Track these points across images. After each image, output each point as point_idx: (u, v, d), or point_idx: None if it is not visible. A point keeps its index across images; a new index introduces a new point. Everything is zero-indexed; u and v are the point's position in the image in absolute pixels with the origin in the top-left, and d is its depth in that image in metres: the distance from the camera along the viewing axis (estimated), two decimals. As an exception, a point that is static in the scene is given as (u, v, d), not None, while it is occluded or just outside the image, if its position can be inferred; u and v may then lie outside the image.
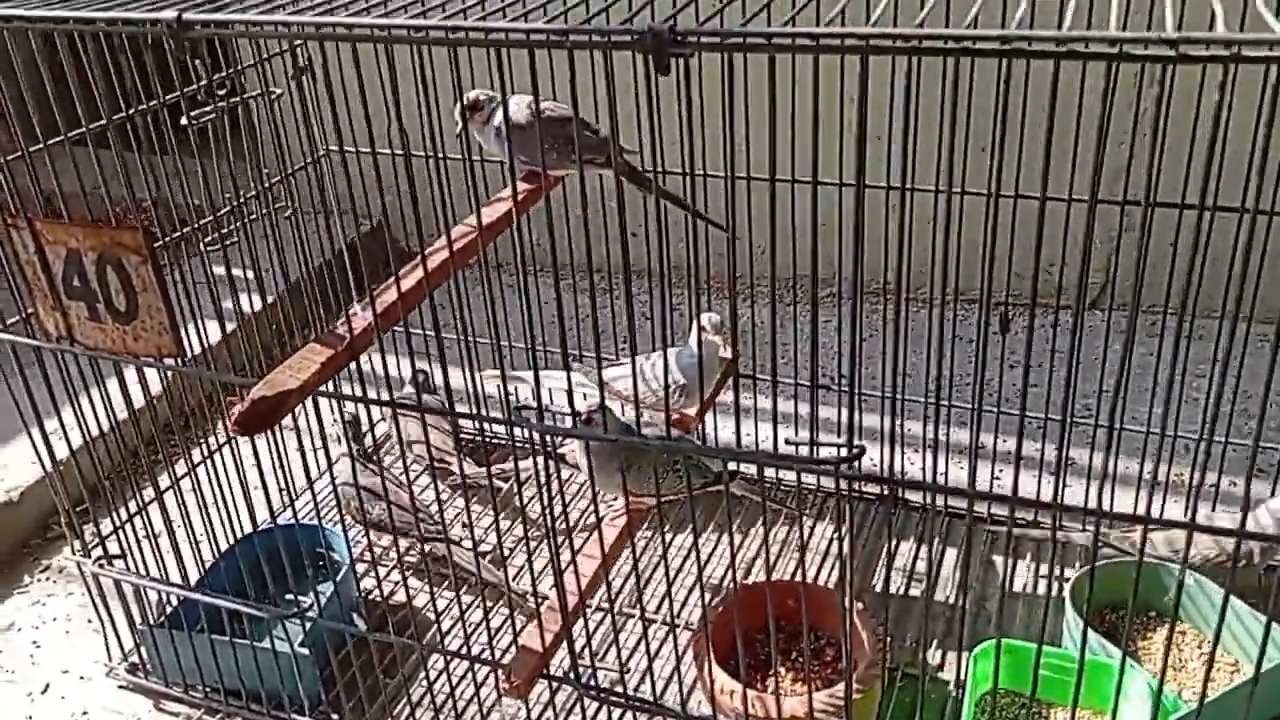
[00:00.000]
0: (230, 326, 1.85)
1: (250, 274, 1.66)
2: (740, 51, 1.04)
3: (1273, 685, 1.60)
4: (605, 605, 2.03)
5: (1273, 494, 1.95)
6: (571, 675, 1.53)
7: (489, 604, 2.00)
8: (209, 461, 1.86)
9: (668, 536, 2.22)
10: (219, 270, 1.83)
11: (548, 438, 1.36)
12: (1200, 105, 1.52)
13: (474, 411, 1.39)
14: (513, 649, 1.55)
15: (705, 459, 1.83)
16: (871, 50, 0.95)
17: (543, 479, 1.37)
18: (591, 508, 2.14)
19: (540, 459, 1.33)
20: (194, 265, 1.89)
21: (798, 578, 2.08)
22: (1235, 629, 1.81)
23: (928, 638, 1.95)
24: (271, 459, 2.13)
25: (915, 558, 2.11)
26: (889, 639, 1.94)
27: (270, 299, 2.11)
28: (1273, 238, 1.54)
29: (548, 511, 1.36)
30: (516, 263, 1.28)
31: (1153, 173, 1.27)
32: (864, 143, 1.03)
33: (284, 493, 2.30)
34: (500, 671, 1.52)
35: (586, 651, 1.91)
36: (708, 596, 2.06)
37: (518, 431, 1.63)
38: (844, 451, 1.16)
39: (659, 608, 2.01)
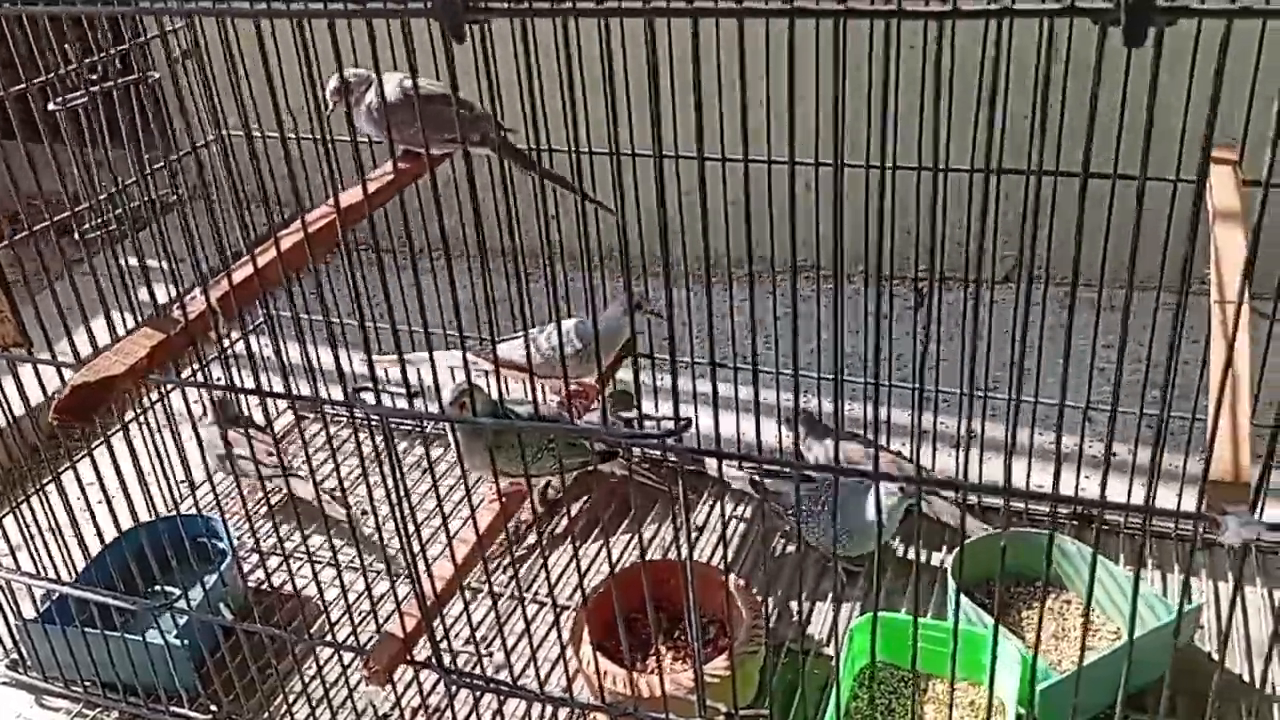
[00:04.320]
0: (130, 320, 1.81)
1: (134, 262, 1.61)
2: (534, 17, 1.01)
3: (1148, 649, 1.60)
4: (485, 589, 2.01)
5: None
6: (434, 660, 1.51)
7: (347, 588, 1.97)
8: (91, 456, 1.82)
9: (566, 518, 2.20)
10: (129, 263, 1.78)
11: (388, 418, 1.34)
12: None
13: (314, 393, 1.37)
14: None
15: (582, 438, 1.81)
16: (653, 12, 0.93)
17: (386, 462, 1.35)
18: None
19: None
20: (105, 258, 1.85)
21: (710, 560, 2.07)
22: (1117, 597, 1.81)
23: (808, 613, 1.94)
24: (163, 452, 2.09)
25: (796, 532, 2.09)
26: (775, 614, 1.93)
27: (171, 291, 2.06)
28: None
29: (394, 495, 1.34)
30: (373, 244, 1.26)
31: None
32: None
33: (181, 484, 2.27)
34: (361, 658, 1.50)
35: (449, 636, 1.88)
36: (599, 578, 2.04)
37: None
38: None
39: (550, 591, 1.98)
